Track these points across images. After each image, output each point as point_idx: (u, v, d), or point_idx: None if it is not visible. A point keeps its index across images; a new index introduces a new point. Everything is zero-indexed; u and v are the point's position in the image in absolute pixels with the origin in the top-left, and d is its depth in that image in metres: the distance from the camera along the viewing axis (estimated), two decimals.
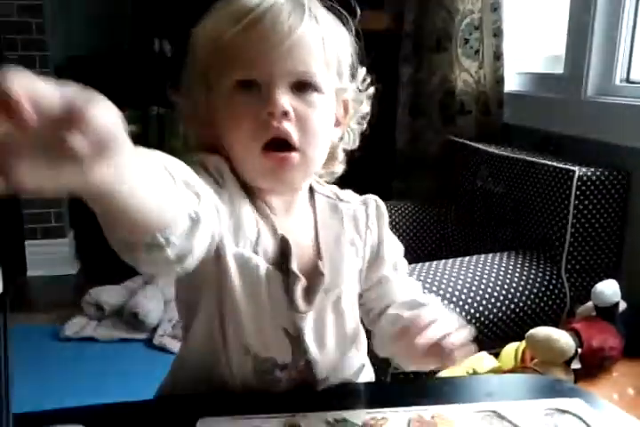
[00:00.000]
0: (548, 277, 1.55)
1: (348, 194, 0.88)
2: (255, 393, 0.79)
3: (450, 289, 1.43)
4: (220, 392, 0.79)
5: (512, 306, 1.48)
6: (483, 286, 1.47)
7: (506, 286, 1.49)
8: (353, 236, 0.84)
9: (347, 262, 0.82)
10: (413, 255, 1.79)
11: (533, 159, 1.69)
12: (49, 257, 3.12)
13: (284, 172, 0.75)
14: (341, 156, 0.85)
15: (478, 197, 1.92)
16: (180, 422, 0.72)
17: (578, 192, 1.52)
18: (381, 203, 0.88)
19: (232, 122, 0.74)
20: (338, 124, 0.82)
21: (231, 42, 0.72)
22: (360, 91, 0.83)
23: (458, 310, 1.39)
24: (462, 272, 1.50)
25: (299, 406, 0.75)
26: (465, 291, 1.44)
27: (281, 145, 0.73)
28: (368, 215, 0.85)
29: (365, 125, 0.86)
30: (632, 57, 1.72)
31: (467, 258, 1.60)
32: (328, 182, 0.88)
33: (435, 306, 0.81)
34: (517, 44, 2.18)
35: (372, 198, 0.87)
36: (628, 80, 1.73)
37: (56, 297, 2.84)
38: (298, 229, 0.81)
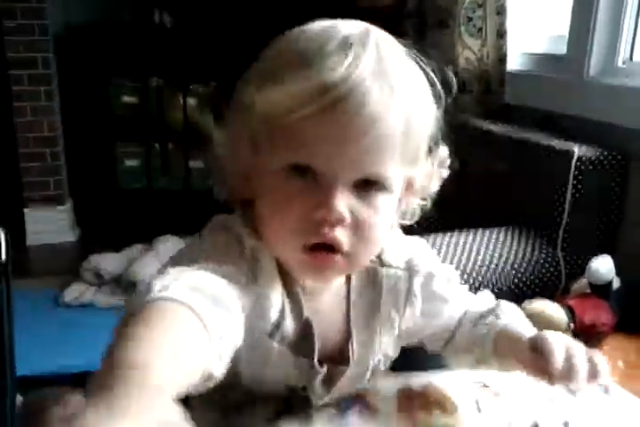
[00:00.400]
0: (544, 255, 1.56)
1: (394, 251, 0.76)
2: None
3: (444, 263, 1.44)
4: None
5: (507, 282, 1.50)
6: (479, 262, 1.49)
7: (502, 263, 1.51)
8: (390, 309, 0.75)
9: (379, 340, 0.75)
10: (409, 230, 1.79)
11: (533, 139, 1.69)
12: (48, 225, 3.13)
13: (324, 271, 0.65)
14: (397, 227, 0.74)
15: (477, 174, 1.93)
16: None
17: (576, 172, 1.53)
18: (431, 268, 0.79)
19: (276, 210, 0.63)
20: (399, 204, 0.69)
21: (300, 123, 0.57)
22: (433, 166, 0.70)
23: None
24: (459, 248, 1.51)
25: None
26: (461, 266, 1.46)
27: (326, 247, 0.62)
28: (411, 287, 0.76)
29: (429, 203, 0.74)
30: (635, 38, 1.71)
31: (463, 233, 1.61)
32: None
33: (510, 309, 0.79)
34: (521, 23, 2.17)
35: (420, 263, 0.77)
36: (631, 61, 1.73)
37: (55, 264, 2.86)
38: (328, 306, 0.73)
